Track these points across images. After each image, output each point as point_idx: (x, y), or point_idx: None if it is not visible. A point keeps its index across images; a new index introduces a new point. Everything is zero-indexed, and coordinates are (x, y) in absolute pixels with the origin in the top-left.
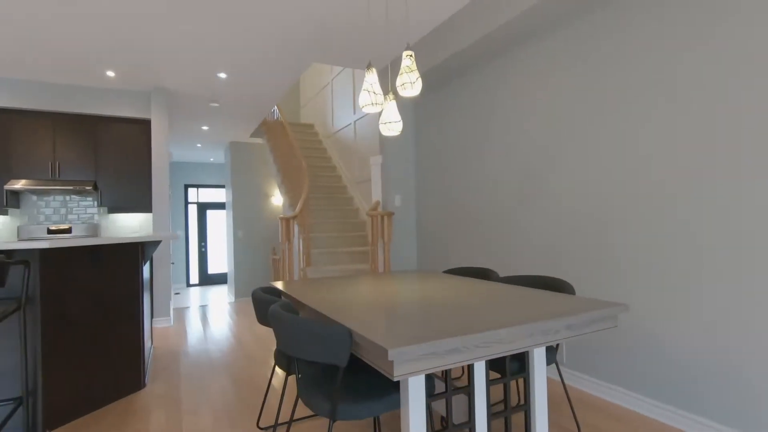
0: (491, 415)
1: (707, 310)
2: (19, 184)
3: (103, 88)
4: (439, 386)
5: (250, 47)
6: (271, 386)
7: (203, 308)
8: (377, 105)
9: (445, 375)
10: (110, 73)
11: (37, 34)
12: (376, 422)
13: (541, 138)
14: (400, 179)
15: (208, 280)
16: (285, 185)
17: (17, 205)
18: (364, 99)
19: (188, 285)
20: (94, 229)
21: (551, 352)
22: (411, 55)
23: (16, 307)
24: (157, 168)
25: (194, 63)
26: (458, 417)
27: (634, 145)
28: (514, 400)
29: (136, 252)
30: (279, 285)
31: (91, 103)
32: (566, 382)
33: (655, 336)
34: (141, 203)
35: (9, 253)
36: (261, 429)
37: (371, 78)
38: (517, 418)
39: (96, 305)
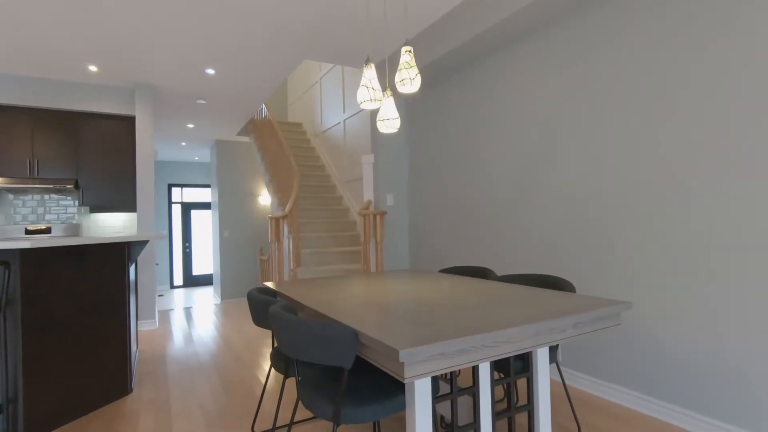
0: (495, 416)
1: (708, 308)
2: None
3: (85, 83)
4: (440, 387)
5: (241, 42)
6: (265, 389)
7: (188, 310)
8: (376, 101)
9: (451, 376)
10: (92, 68)
11: (13, 25)
12: (376, 423)
13: (541, 134)
14: (392, 178)
15: (192, 281)
16: (273, 184)
17: None
18: (362, 95)
19: (172, 287)
20: (75, 229)
21: (552, 352)
22: (410, 51)
23: None
24: (141, 166)
25: (181, 58)
26: (462, 418)
27: (635, 144)
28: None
29: (122, 252)
30: (274, 286)
31: (72, 99)
32: (566, 381)
33: (655, 334)
34: (124, 202)
35: None
36: None
37: (370, 74)
38: (519, 418)
39: (80, 308)
